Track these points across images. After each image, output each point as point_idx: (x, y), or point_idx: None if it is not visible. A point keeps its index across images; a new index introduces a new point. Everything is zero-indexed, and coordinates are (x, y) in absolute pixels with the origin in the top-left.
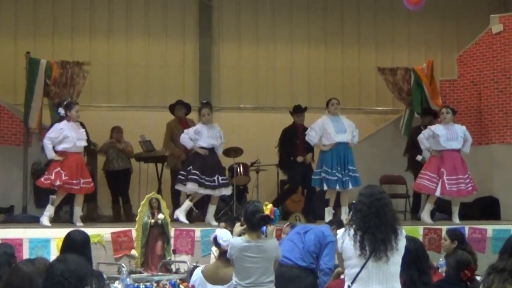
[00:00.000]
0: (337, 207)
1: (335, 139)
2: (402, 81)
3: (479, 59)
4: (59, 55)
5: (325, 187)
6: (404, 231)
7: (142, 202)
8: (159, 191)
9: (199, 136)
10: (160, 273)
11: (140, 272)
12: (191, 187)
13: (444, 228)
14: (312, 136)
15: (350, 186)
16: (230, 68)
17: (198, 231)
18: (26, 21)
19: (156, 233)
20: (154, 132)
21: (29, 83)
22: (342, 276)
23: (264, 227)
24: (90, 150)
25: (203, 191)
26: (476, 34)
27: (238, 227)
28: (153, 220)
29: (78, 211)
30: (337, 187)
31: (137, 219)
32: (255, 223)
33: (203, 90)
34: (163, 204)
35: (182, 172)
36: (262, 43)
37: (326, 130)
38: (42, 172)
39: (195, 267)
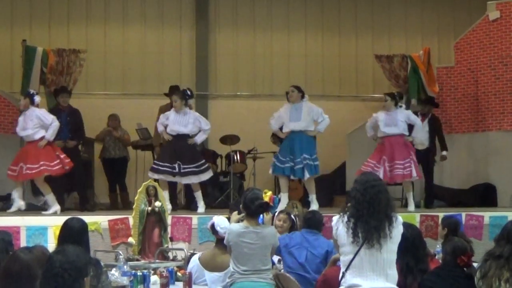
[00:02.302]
0: (333, 194)
1: (289, 127)
2: (399, 68)
3: (476, 46)
4: (55, 43)
5: (271, 171)
6: (401, 218)
7: (139, 190)
8: (156, 179)
9: (168, 122)
10: (157, 261)
11: (137, 260)
12: (150, 174)
13: (441, 215)
14: (271, 124)
15: (307, 175)
16: (226, 56)
17: (195, 219)
18: (22, 9)
19: (153, 220)
20: (151, 119)
21: (26, 71)
22: (338, 263)
23: (261, 217)
24: (86, 138)
25: (164, 177)
26: (473, 21)
27: (235, 215)
28: (150, 208)
29: (47, 197)
30: (285, 173)
31: (134, 206)
32: (254, 210)
33: (199, 78)
34: (160, 192)
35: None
36: (259, 30)
37: (284, 118)
38: None
39: (192, 254)
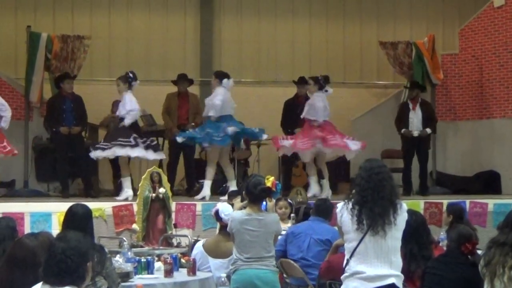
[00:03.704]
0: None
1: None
2: (403, 55)
3: (481, 33)
4: (60, 29)
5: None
6: (405, 205)
7: (143, 176)
8: (160, 165)
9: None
10: (161, 247)
11: (141, 246)
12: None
13: (445, 202)
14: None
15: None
16: (231, 42)
17: (199, 205)
18: None
19: (157, 207)
20: (155, 106)
21: (30, 57)
22: (342, 249)
23: (265, 204)
24: (90, 124)
25: (108, 153)
26: (478, 8)
27: (238, 202)
28: (154, 194)
29: None
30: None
31: (138, 193)
32: (256, 195)
33: (204, 64)
34: (164, 178)
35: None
36: (263, 16)
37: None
38: (43, 146)
39: (196, 241)
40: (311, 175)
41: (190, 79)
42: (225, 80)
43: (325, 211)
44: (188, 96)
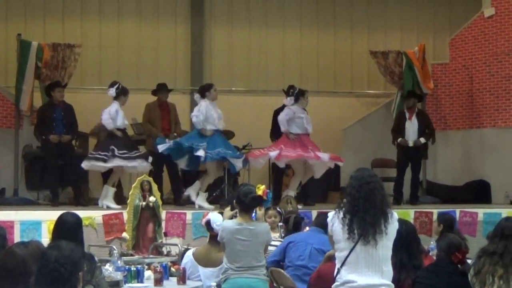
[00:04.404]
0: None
1: (218, 126)
2: (394, 65)
3: (471, 43)
4: (50, 37)
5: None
6: (396, 214)
7: (134, 185)
8: (150, 174)
9: (117, 116)
10: (151, 256)
11: (131, 255)
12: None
13: (436, 211)
14: (200, 120)
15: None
16: (222, 51)
17: (189, 214)
18: (17, 3)
19: (148, 215)
20: None
21: (20, 65)
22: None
23: (254, 213)
24: (81, 133)
25: (127, 164)
26: (468, 18)
27: (228, 211)
28: (144, 203)
29: None
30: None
31: (128, 201)
32: (247, 204)
33: (195, 73)
34: (154, 187)
35: (102, 153)
36: (254, 25)
37: (211, 115)
38: (33, 154)
39: (186, 249)
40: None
41: (169, 88)
42: (207, 93)
43: (325, 222)
44: (168, 106)
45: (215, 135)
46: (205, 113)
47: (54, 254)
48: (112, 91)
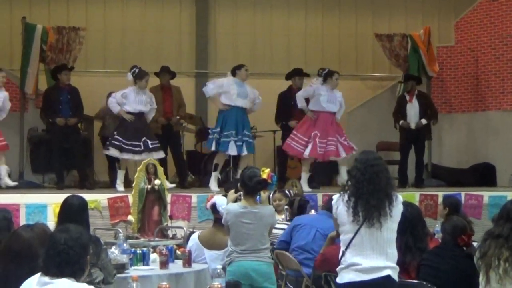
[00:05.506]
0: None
1: (236, 102)
2: (399, 48)
3: (477, 26)
4: (55, 20)
5: (213, 148)
6: (401, 197)
7: (139, 168)
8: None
9: (126, 100)
10: (156, 239)
11: (136, 238)
12: (113, 152)
13: (441, 194)
14: (210, 88)
15: (245, 152)
16: (226, 34)
17: (194, 197)
18: None
19: (153, 198)
20: None
21: (25, 48)
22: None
23: (258, 196)
24: (86, 116)
25: (126, 156)
26: (473, 0)
27: (232, 194)
28: (149, 186)
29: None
30: (229, 150)
31: (133, 184)
32: (252, 187)
33: (199, 56)
34: (160, 170)
35: (109, 138)
36: (258, 8)
37: (228, 90)
38: (39, 138)
39: (192, 232)
40: (304, 171)
41: (172, 71)
42: (237, 71)
43: None
44: (171, 89)
45: (231, 112)
46: (224, 87)
47: (63, 237)
48: (129, 76)
